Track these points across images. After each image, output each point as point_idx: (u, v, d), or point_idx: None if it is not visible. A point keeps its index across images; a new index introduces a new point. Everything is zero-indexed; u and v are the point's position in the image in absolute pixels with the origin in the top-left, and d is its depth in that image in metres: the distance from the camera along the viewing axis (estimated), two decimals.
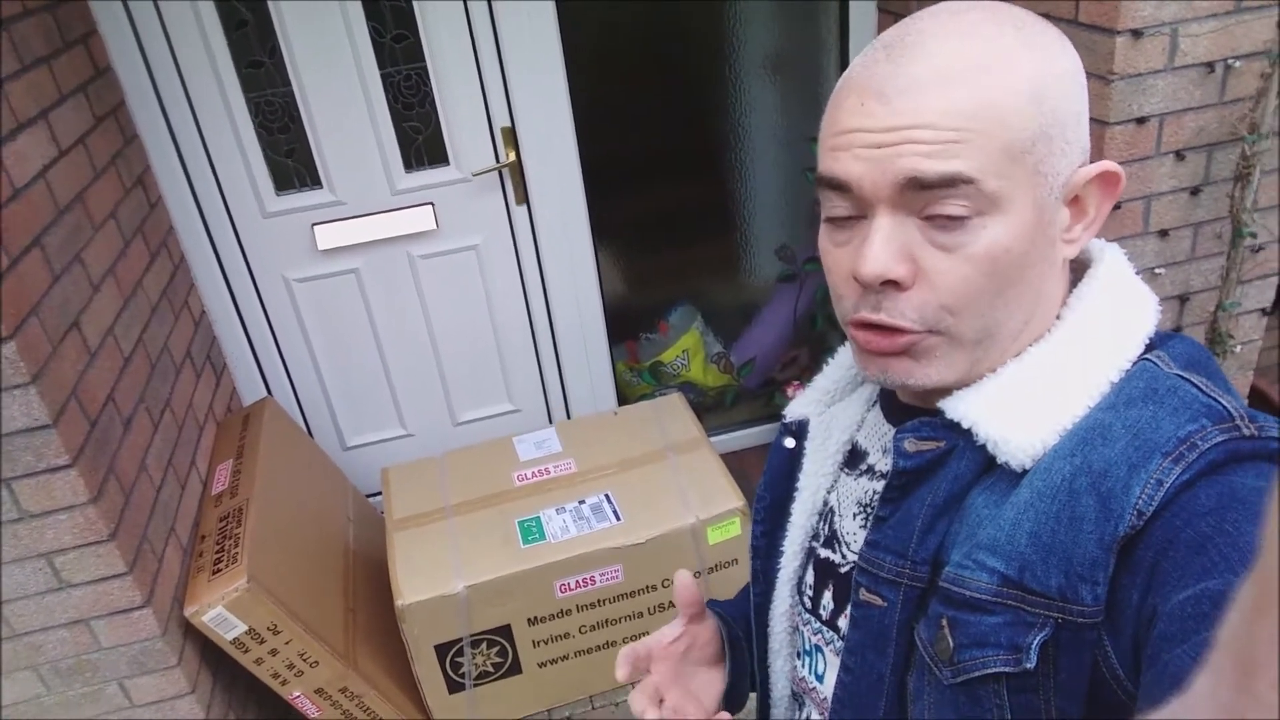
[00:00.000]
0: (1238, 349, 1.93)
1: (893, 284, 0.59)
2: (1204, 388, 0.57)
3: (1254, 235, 1.76)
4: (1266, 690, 0.23)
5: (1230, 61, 1.65)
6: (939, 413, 0.63)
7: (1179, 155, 1.73)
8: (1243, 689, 0.24)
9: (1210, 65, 1.65)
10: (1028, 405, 0.60)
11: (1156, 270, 1.84)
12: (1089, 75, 1.66)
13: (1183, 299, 1.89)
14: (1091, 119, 1.69)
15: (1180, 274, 1.86)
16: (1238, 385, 2.00)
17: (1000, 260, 0.58)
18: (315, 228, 2.32)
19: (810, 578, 0.77)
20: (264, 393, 2.48)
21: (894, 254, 0.58)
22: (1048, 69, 0.58)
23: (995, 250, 0.58)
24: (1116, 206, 1.75)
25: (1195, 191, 1.77)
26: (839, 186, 0.60)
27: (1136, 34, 1.59)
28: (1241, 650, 0.24)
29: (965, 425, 0.61)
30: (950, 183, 0.56)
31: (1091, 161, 0.62)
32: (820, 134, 0.63)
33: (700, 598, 0.83)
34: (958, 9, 0.60)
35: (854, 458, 0.75)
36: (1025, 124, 0.56)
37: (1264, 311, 1.94)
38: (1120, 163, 1.70)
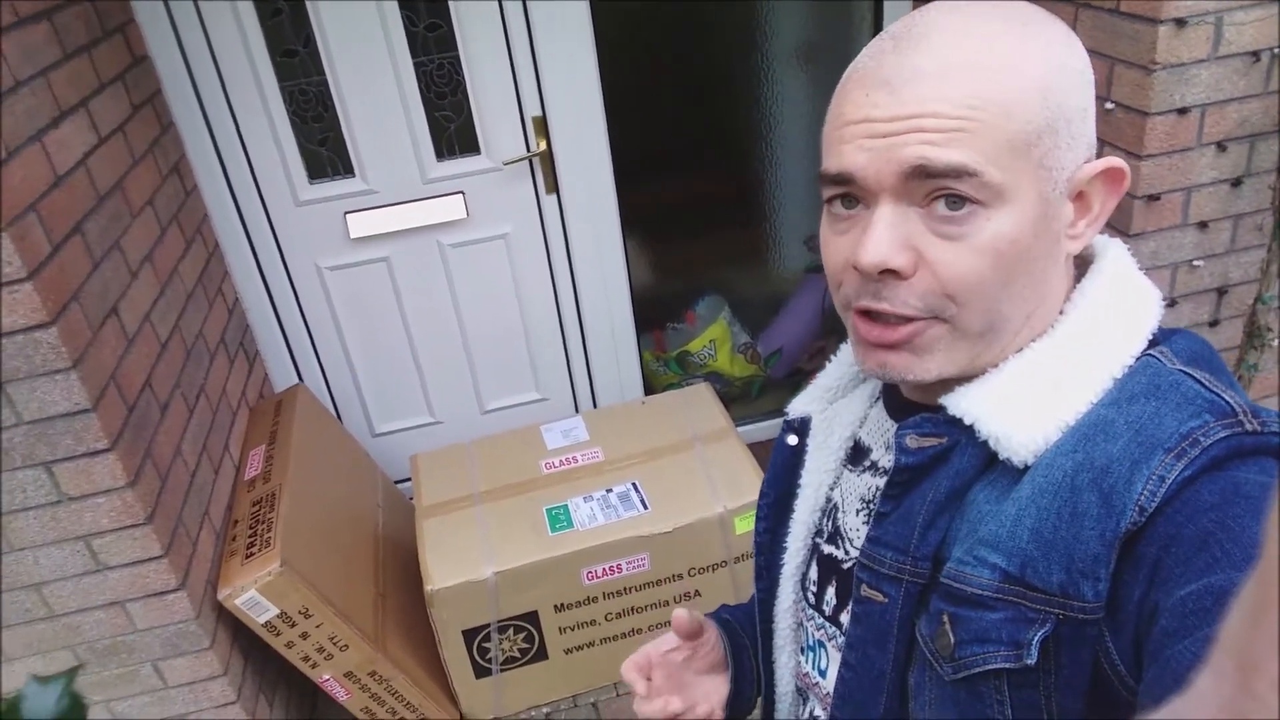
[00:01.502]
0: (1275, 342, 1.89)
1: (892, 273, 0.59)
2: (1207, 383, 0.56)
3: None
4: (1266, 690, 0.23)
5: (1276, 50, 1.62)
6: (941, 409, 0.63)
7: (1220, 146, 1.70)
8: (1243, 689, 0.23)
9: (1256, 54, 1.62)
10: (1029, 401, 0.59)
11: (1195, 262, 1.81)
12: (1131, 65, 1.64)
13: (1221, 291, 1.86)
14: (1132, 109, 1.67)
15: (1219, 266, 1.83)
16: (1274, 379, 1.97)
17: (1005, 252, 0.58)
18: (348, 216, 2.33)
19: (814, 573, 0.77)
20: (295, 379, 2.51)
21: (895, 243, 0.58)
22: (1054, 64, 0.58)
23: (1000, 242, 0.58)
24: (1155, 198, 1.72)
25: (1237, 183, 1.74)
26: (843, 180, 0.60)
27: (1180, 23, 1.56)
28: (1242, 650, 0.24)
29: (967, 421, 0.61)
30: (955, 173, 0.56)
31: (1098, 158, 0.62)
32: (824, 129, 0.63)
33: (696, 629, 0.85)
34: (966, 5, 0.60)
35: (857, 454, 0.75)
36: (1030, 117, 0.56)
37: None
38: (1160, 154, 1.69)
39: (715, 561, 2.06)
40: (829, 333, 2.85)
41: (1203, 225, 1.77)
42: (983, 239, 0.57)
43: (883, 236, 0.58)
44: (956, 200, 0.57)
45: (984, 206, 0.57)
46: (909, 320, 0.60)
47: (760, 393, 2.88)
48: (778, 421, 2.85)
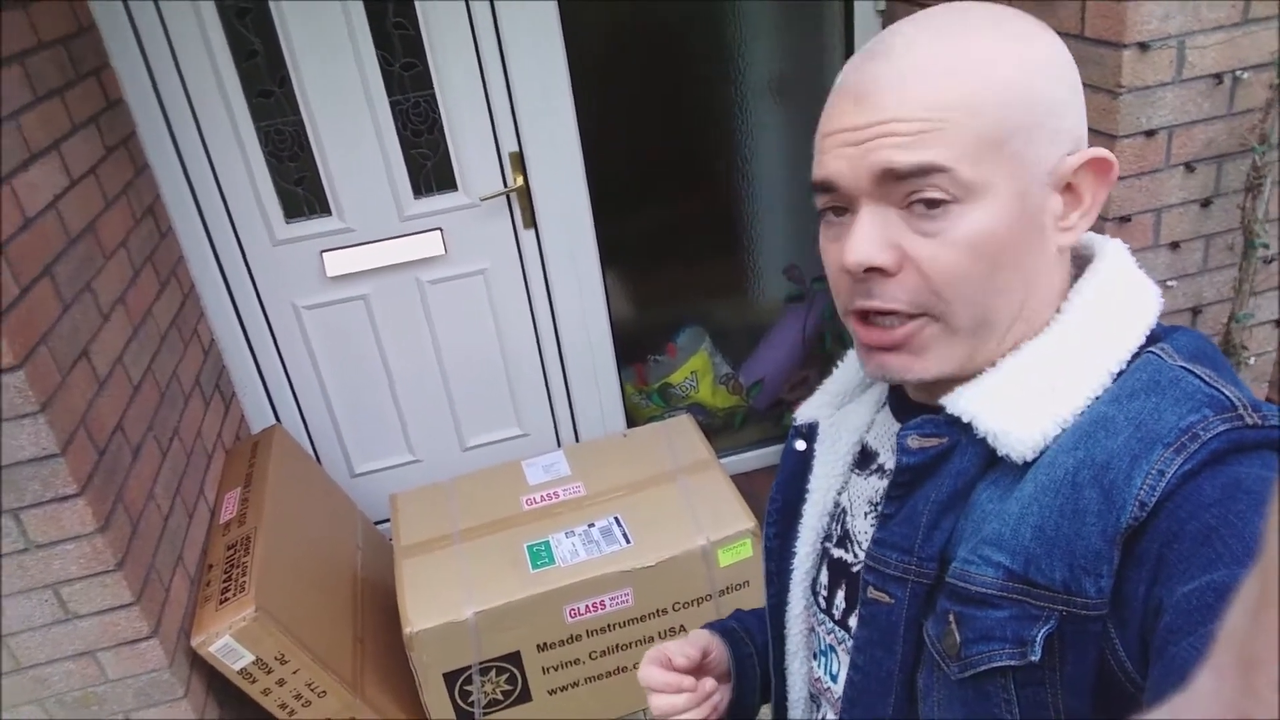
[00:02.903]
0: (1252, 361, 1.90)
1: (879, 271, 0.61)
2: (1208, 379, 0.56)
3: (1266, 246, 1.75)
4: (1267, 688, 0.22)
5: (1238, 73, 1.64)
6: (942, 409, 0.64)
7: (1189, 167, 1.71)
8: (1244, 687, 0.23)
9: (1219, 77, 1.64)
10: (1027, 397, 0.60)
11: (1168, 283, 1.82)
12: (1097, 89, 1.66)
13: (1195, 311, 1.87)
14: (1100, 132, 1.69)
15: (1192, 286, 1.84)
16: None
17: (984, 246, 0.59)
18: (324, 254, 2.32)
19: (824, 578, 0.78)
20: (272, 420, 2.48)
21: (876, 243, 0.60)
22: (1023, 59, 0.59)
23: (977, 236, 0.59)
24: (1126, 219, 1.74)
25: (1206, 203, 1.76)
26: (827, 188, 0.63)
27: (1144, 46, 1.59)
28: (1243, 647, 0.24)
29: (966, 419, 0.61)
30: (923, 172, 0.58)
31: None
32: (815, 141, 0.65)
33: (696, 664, 0.84)
34: (935, 12, 0.62)
35: (864, 458, 0.76)
36: (1000, 113, 0.58)
37: (1278, 323, 1.92)
38: (1130, 176, 1.70)
39: (700, 595, 2.04)
40: (811, 362, 2.85)
41: (1174, 246, 1.79)
42: (959, 234, 0.59)
43: (864, 236, 0.60)
44: (932, 199, 0.58)
45: (958, 203, 0.58)
46: (904, 320, 0.62)
47: (743, 424, 2.87)
48: (761, 452, 2.86)
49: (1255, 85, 1.66)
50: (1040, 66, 0.60)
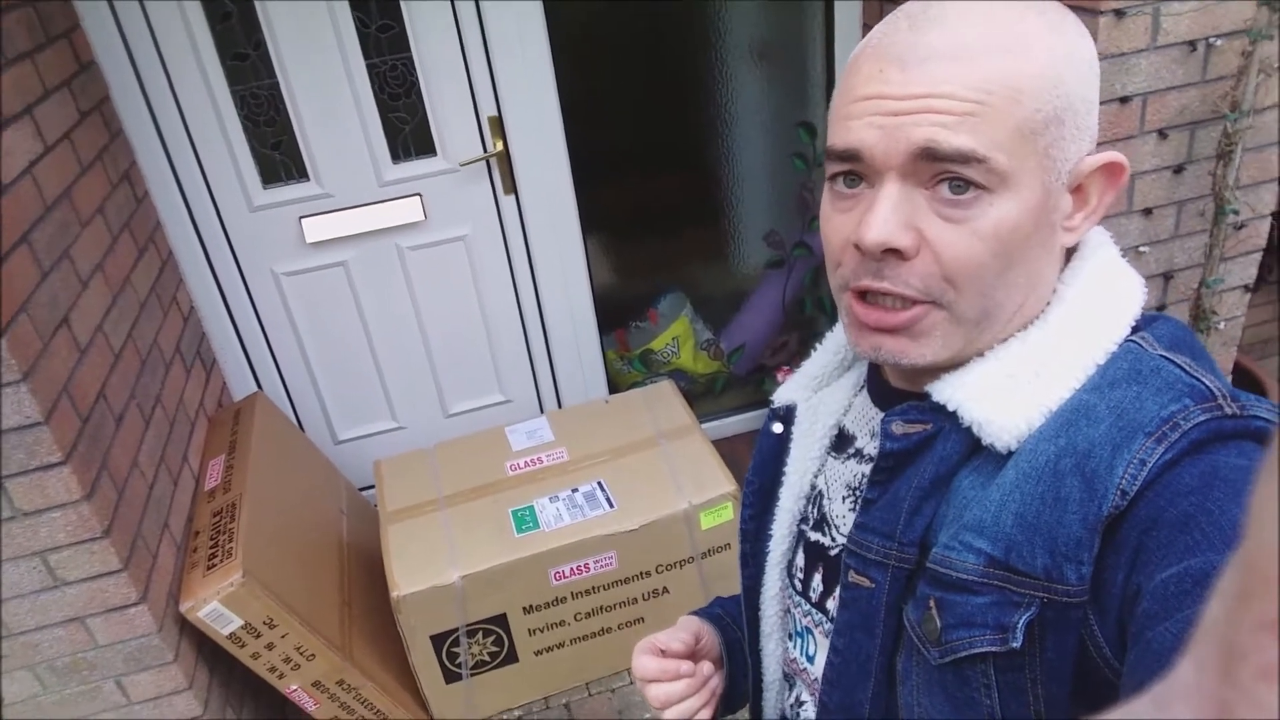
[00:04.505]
0: (1221, 325, 1.95)
1: (894, 253, 0.59)
2: (1187, 368, 0.57)
3: (1236, 212, 1.78)
4: (1250, 680, 0.22)
5: (1211, 40, 1.66)
6: (926, 396, 0.64)
7: (1162, 134, 1.74)
8: (1226, 678, 0.23)
9: (1192, 44, 1.66)
10: (1012, 387, 0.60)
11: (1141, 248, 1.85)
12: None
13: (1167, 276, 1.91)
14: None
15: (1164, 252, 1.88)
16: (1221, 362, 2.02)
17: (1007, 239, 0.58)
18: (303, 220, 2.31)
19: (800, 560, 0.78)
20: (254, 387, 2.47)
21: (899, 223, 0.58)
22: (1065, 54, 0.58)
23: (1002, 228, 0.58)
24: None
25: (1178, 170, 1.79)
26: (850, 157, 0.60)
27: (1119, 14, 1.60)
28: (1224, 638, 0.23)
29: (951, 408, 0.61)
30: (963, 158, 0.56)
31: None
32: (832, 104, 0.63)
33: (690, 649, 0.84)
34: None
35: (841, 442, 0.75)
36: (1039, 105, 0.57)
37: (1247, 288, 1.96)
38: (1105, 142, 1.72)
39: (683, 558, 2.07)
40: (791, 328, 2.88)
41: (1148, 212, 1.82)
42: (985, 224, 0.57)
43: (888, 216, 0.58)
44: (961, 184, 0.57)
45: (988, 192, 0.57)
46: (910, 305, 0.60)
47: (723, 389, 2.89)
48: (741, 417, 2.89)
49: (1228, 52, 1.68)
50: (1079, 60, 0.59)
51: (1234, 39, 1.67)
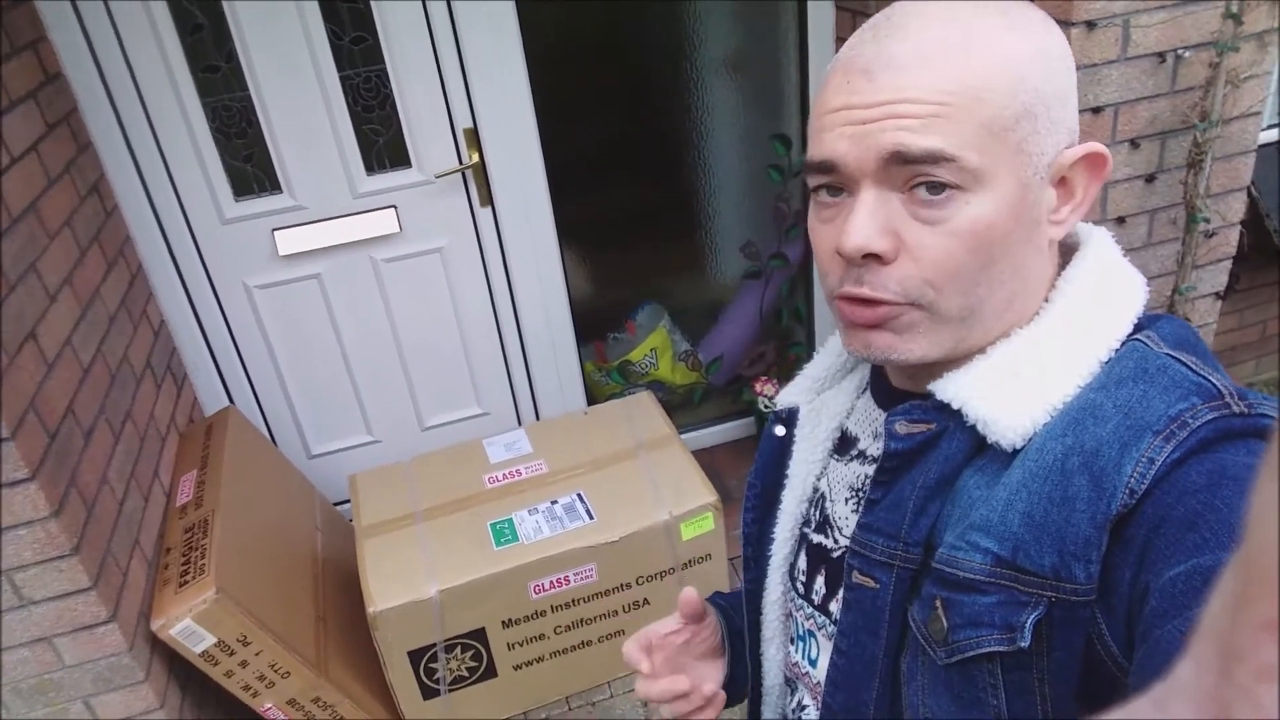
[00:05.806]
0: None
1: (875, 258, 0.60)
2: (1194, 366, 0.57)
3: (1207, 220, 1.81)
4: (1249, 680, 0.22)
5: (1180, 52, 1.69)
6: (929, 395, 0.64)
7: (1134, 144, 1.76)
8: (1225, 678, 0.23)
9: (1161, 55, 1.69)
10: (1016, 385, 0.60)
11: None
12: None
13: None
14: None
15: (1138, 260, 1.89)
16: None
17: (983, 236, 0.59)
18: (276, 233, 2.28)
19: (803, 563, 0.78)
20: (226, 402, 2.44)
21: (876, 228, 0.59)
22: (1030, 49, 0.59)
23: (978, 226, 0.58)
24: None
25: (1150, 179, 1.81)
26: (826, 168, 0.61)
27: (1090, 25, 1.62)
28: (1223, 639, 0.23)
29: (955, 406, 0.61)
30: (932, 158, 0.57)
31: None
32: (809, 119, 0.64)
33: (701, 610, 0.84)
34: None
35: (844, 444, 0.75)
36: (1006, 102, 0.57)
37: (1218, 295, 1.99)
38: None
39: (663, 569, 2.06)
40: (768, 338, 2.88)
41: (1121, 220, 1.84)
42: (960, 223, 0.58)
43: (865, 221, 0.59)
44: (936, 185, 0.58)
45: (962, 190, 0.58)
46: (886, 304, 0.61)
47: (702, 400, 2.89)
48: (720, 428, 2.88)
49: (1196, 64, 1.71)
50: (1046, 56, 0.59)
51: (1202, 51, 1.70)
